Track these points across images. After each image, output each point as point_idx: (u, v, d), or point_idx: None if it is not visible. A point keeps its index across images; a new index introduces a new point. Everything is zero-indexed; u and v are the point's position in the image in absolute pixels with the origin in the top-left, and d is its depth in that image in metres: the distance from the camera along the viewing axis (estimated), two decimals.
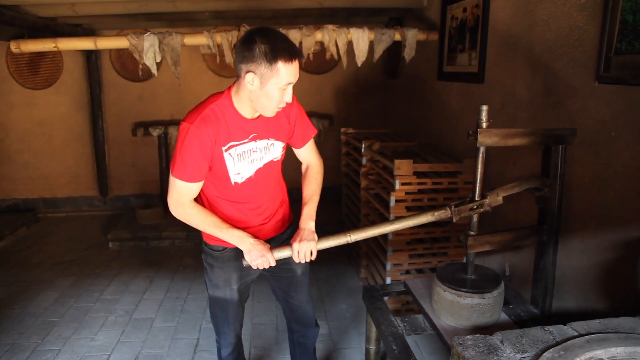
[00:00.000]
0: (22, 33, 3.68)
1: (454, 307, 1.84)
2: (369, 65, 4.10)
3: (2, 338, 2.95)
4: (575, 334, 1.32)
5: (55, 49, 3.52)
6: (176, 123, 5.28)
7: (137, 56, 3.46)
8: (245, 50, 1.55)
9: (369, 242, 3.41)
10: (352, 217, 4.00)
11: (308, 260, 1.77)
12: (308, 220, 1.80)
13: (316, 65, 5.31)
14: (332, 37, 3.55)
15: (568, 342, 1.26)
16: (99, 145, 5.40)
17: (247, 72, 1.56)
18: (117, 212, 5.56)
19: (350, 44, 3.61)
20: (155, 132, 5.15)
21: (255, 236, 1.79)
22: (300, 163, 2.02)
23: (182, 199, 1.73)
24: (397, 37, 3.64)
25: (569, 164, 1.97)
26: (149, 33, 3.40)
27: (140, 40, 3.39)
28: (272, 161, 1.84)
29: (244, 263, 1.75)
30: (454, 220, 1.79)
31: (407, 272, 3.02)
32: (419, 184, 2.89)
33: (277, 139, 1.81)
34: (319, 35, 3.55)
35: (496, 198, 1.81)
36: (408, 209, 2.91)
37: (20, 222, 4.94)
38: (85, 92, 5.31)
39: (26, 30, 3.72)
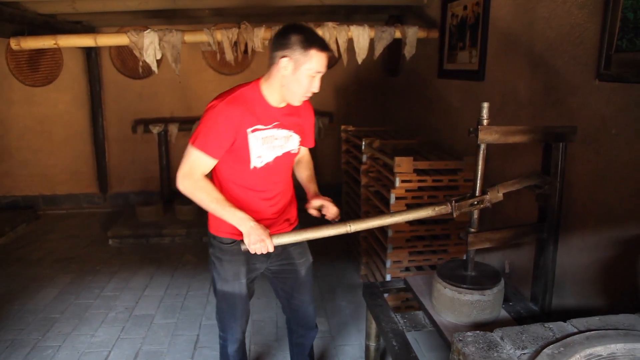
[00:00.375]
0: (21, 30, 3.68)
1: (454, 304, 1.85)
2: (370, 62, 4.10)
3: (2, 334, 2.96)
4: (575, 330, 1.32)
5: (55, 46, 3.51)
6: (176, 120, 5.28)
7: (137, 53, 3.45)
8: (281, 39, 1.69)
9: (369, 240, 3.42)
10: (352, 215, 4.00)
11: (337, 217, 1.93)
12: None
13: None
14: (332, 34, 3.55)
15: (568, 339, 1.26)
16: (99, 142, 5.40)
17: (282, 57, 1.67)
18: (117, 209, 5.56)
19: (350, 41, 3.61)
20: (155, 129, 5.15)
21: (257, 221, 1.77)
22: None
23: (194, 170, 1.73)
24: (398, 34, 3.64)
25: (569, 161, 1.97)
26: (149, 30, 3.40)
27: (140, 38, 3.39)
28: (289, 152, 1.89)
29: (242, 247, 1.70)
30: (454, 216, 1.79)
31: (407, 269, 3.02)
32: (419, 181, 2.90)
33: (295, 132, 1.89)
34: (319, 33, 3.55)
35: (496, 194, 1.81)
36: (408, 206, 2.91)
37: (20, 219, 4.94)
38: (85, 89, 5.31)
39: (26, 27, 3.71)
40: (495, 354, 1.24)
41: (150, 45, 3.40)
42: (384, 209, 3.03)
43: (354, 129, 4.05)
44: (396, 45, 4.03)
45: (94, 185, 5.59)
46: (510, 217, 2.61)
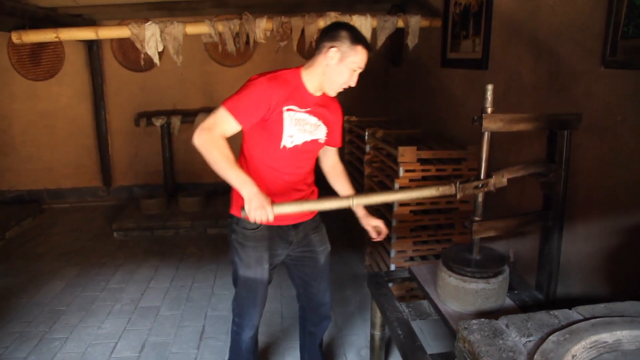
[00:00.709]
0: (23, 24, 3.67)
1: (458, 293, 1.85)
2: (372, 52, 4.07)
3: (10, 327, 2.98)
4: (581, 317, 1.32)
5: (57, 39, 3.51)
6: (179, 113, 5.28)
7: (138, 46, 3.44)
8: (331, 32, 1.81)
9: None
10: None
11: (385, 234, 2.05)
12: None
13: None
14: None
15: (573, 326, 1.26)
16: (102, 136, 5.40)
17: (331, 47, 1.78)
18: (121, 202, 5.57)
19: None
20: (158, 122, 5.14)
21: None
22: None
23: (216, 127, 1.74)
24: (400, 24, 3.61)
25: (574, 149, 1.96)
26: (150, 22, 3.39)
27: (141, 30, 3.37)
28: (317, 141, 1.93)
29: (242, 214, 1.67)
30: (458, 197, 1.78)
31: (411, 259, 3.03)
32: (423, 171, 2.89)
33: (324, 122, 1.93)
34: (321, 23, 3.53)
35: (501, 179, 1.80)
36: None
37: (25, 213, 4.96)
38: (87, 82, 5.30)
39: (27, 21, 3.70)
40: (500, 342, 1.24)
41: (151, 38, 3.39)
42: None
43: (357, 119, 4.03)
44: (399, 35, 4.01)
45: (97, 179, 5.61)
46: (514, 206, 2.60)
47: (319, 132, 1.92)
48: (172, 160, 5.44)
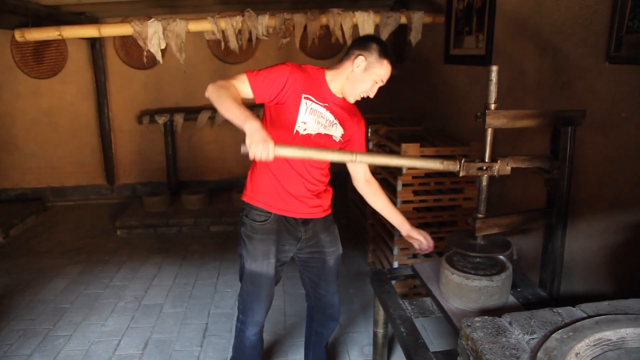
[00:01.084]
0: (25, 22, 3.67)
1: (462, 290, 1.84)
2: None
3: (14, 324, 3.00)
4: (584, 315, 1.31)
5: (60, 37, 3.51)
6: (182, 110, 5.28)
7: (141, 43, 3.44)
8: (363, 42, 1.87)
9: (376, 227, 3.42)
10: (358, 202, 4.00)
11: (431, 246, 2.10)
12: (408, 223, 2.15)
13: (321, 50, 5.27)
14: (337, 21, 3.51)
15: (577, 324, 1.25)
16: (105, 133, 5.41)
17: (359, 55, 1.84)
18: (125, 200, 5.59)
19: (355, 27, 3.57)
20: (161, 119, 5.15)
21: (289, 195, 1.93)
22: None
23: (231, 81, 1.76)
24: (403, 20, 3.60)
25: (577, 146, 1.95)
26: (153, 20, 3.38)
27: (144, 27, 3.37)
28: (331, 137, 1.94)
29: (242, 149, 1.55)
30: (460, 175, 1.76)
31: (414, 256, 3.02)
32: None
33: (341, 124, 1.95)
34: (324, 19, 3.52)
35: (505, 167, 1.77)
36: (415, 192, 2.90)
37: (29, 211, 4.98)
38: (91, 80, 5.31)
39: (30, 19, 3.71)
40: (503, 339, 1.23)
41: (154, 35, 3.39)
42: (390, 195, 3.01)
43: None
44: (402, 31, 3.99)
45: (101, 177, 5.62)
46: (517, 204, 2.59)
47: (335, 130, 1.93)
48: (175, 157, 5.45)
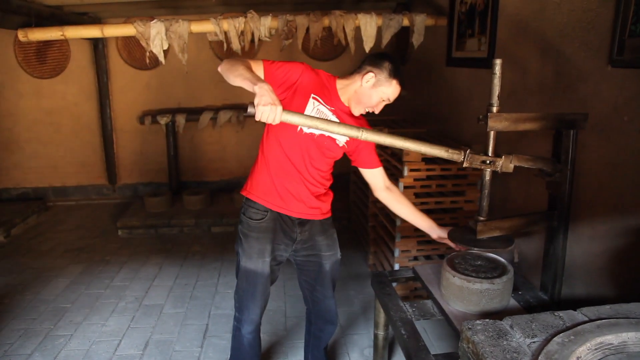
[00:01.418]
0: (29, 22, 3.68)
1: (463, 293, 1.84)
2: (377, 51, 4.06)
3: (15, 323, 3.00)
4: (586, 319, 1.31)
5: (62, 37, 3.52)
6: (184, 111, 5.28)
7: (144, 44, 3.45)
8: (376, 58, 1.89)
9: (377, 229, 3.42)
10: (359, 204, 4.00)
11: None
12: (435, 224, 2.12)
13: (323, 52, 5.28)
14: (339, 22, 3.52)
15: (578, 327, 1.25)
16: (107, 133, 5.41)
17: (370, 71, 1.86)
18: (126, 200, 5.60)
19: (357, 29, 3.58)
20: (163, 120, 5.15)
21: (290, 195, 1.95)
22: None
23: (247, 60, 1.78)
24: (406, 22, 3.60)
25: (579, 149, 1.95)
26: (155, 20, 3.39)
27: (147, 28, 3.38)
28: (334, 140, 1.95)
29: (249, 109, 1.52)
30: (464, 165, 1.75)
31: (415, 258, 3.02)
32: (428, 170, 2.88)
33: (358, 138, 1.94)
34: (326, 21, 3.52)
35: (508, 164, 1.77)
36: (417, 195, 2.90)
37: (31, 210, 4.99)
38: (93, 80, 5.32)
39: (33, 19, 3.72)
40: (504, 343, 1.23)
41: (157, 36, 3.40)
42: None
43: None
44: (404, 34, 3.99)
45: (102, 177, 5.62)
46: (519, 208, 2.59)
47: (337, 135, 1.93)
48: (177, 158, 5.45)
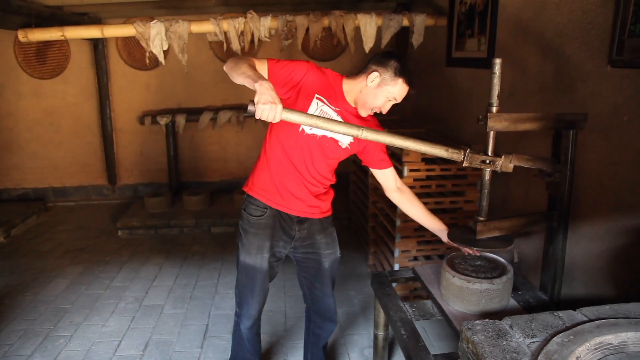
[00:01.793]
0: (29, 22, 3.69)
1: (462, 293, 1.84)
2: (377, 51, 4.05)
3: (15, 324, 3.00)
4: (585, 319, 1.31)
5: (62, 38, 3.52)
6: (183, 111, 5.29)
7: (144, 44, 3.45)
8: (382, 57, 1.85)
9: (377, 230, 3.42)
10: (359, 205, 4.00)
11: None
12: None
13: (323, 52, 5.28)
14: (339, 23, 3.52)
15: (578, 327, 1.25)
16: (107, 134, 5.42)
17: (375, 70, 1.82)
18: (126, 200, 5.60)
19: (357, 30, 3.58)
20: (163, 120, 5.16)
21: (289, 195, 1.95)
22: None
23: (251, 58, 1.78)
24: (405, 22, 3.60)
25: (579, 149, 1.95)
26: (155, 21, 3.39)
27: (147, 28, 3.38)
28: (337, 142, 1.92)
29: (249, 107, 1.52)
30: (464, 165, 1.75)
31: (415, 258, 3.02)
32: (427, 170, 2.88)
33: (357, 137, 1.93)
34: (326, 21, 3.53)
35: (508, 164, 1.77)
36: (416, 195, 2.90)
37: (31, 211, 4.99)
38: (93, 81, 5.32)
39: (33, 20, 3.72)
40: (504, 343, 1.23)
41: (156, 36, 3.40)
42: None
43: None
44: (404, 34, 4.00)
45: (102, 177, 5.62)
46: (519, 209, 2.59)
47: (343, 135, 1.91)
48: (177, 158, 5.45)
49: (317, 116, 1.62)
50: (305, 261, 2.12)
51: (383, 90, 1.83)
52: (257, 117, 1.51)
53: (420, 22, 3.56)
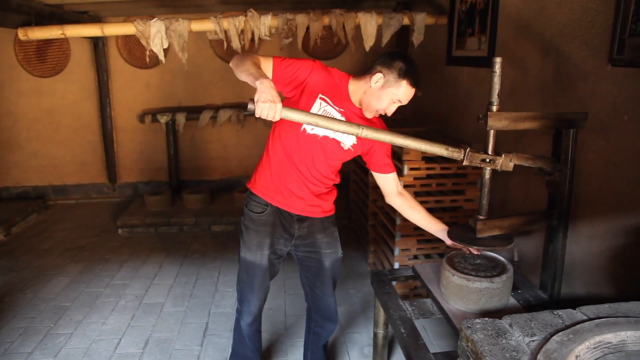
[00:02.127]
0: (29, 20, 3.68)
1: (462, 291, 1.84)
2: (377, 50, 4.05)
3: (15, 322, 3.00)
4: (585, 318, 1.31)
5: (63, 36, 3.52)
6: (184, 110, 5.28)
7: (144, 42, 3.45)
8: (387, 58, 1.81)
9: (377, 228, 3.42)
10: (359, 203, 4.00)
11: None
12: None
13: (323, 51, 5.27)
14: (339, 21, 3.52)
15: (577, 326, 1.25)
16: (107, 132, 5.41)
17: (379, 71, 1.79)
18: (126, 199, 5.60)
19: (358, 28, 3.57)
20: (163, 119, 5.15)
21: (290, 194, 1.95)
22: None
23: (257, 56, 1.79)
24: (406, 21, 3.60)
25: (579, 148, 1.95)
26: (155, 19, 3.39)
27: (147, 27, 3.38)
28: (339, 143, 1.91)
29: (249, 105, 1.52)
30: (464, 164, 1.75)
31: (415, 257, 3.02)
32: (428, 169, 2.88)
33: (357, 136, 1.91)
34: (326, 20, 3.52)
35: (508, 163, 1.77)
36: (416, 194, 2.90)
37: (31, 209, 4.99)
38: (93, 79, 5.31)
39: (33, 18, 3.72)
40: (503, 341, 1.23)
41: (157, 35, 3.39)
42: None
43: None
44: (404, 32, 3.99)
45: (103, 176, 5.62)
46: (519, 206, 2.59)
47: (345, 137, 1.90)
48: (177, 157, 5.45)
49: (317, 114, 1.62)
50: (306, 260, 2.12)
51: (387, 91, 1.80)
52: (256, 115, 1.51)
53: (420, 20, 3.56)
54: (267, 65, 1.79)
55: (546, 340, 1.21)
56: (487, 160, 1.75)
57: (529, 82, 2.47)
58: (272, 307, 3.12)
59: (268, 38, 3.59)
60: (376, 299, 2.25)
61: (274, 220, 1.99)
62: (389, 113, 1.87)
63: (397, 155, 2.92)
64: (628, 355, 1.19)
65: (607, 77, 1.89)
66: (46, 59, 5.19)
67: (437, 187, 2.97)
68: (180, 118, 5.18)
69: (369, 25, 3.52)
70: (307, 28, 3.55)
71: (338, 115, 1.85)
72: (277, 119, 1.52)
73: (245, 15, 3.45)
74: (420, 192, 2.92)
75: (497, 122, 1.73)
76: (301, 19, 3.49)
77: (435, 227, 2.08)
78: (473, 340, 1.25)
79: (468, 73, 3.27)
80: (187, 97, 5.43)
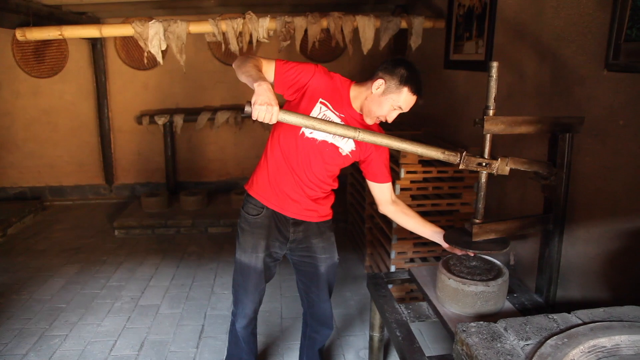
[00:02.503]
0: (27, 21, 3.68)
1: (458, 295, 1.84)
2: (375, 53, 4.08)
3: (10, 323, 2.99)
4: (580, 322, 1.31)
5: (61, 37, 3.52)
6: (181, 111, 5.28)
7: (142, 44, 3.45)
8: (390, 64, 1.81)
9: (374, 231, 3.42)
10: (357, 206, 4.00)
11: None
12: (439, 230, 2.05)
13: (321, 54, 5.28)
14: (337, 24, 3.53)
15: (572, 330, 1.25)
16: (105, 133, 5.41)
17: (381, 77, 1.80)
18: (123, 200, 5.59)
19: (356, 31, 3.58)
20: (161, 120, 5.15)
21: (286, 197, 1.95)
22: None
23: (260, 59, 1.79)
24: (404, 24, 3.61)
25: (575, 152, 1.95)
26: (154, 21, 3.39)
27: (145, 28, 3.38)
28: (337, 148, 1.91)
29: (246, 108, 1.52)
30: (460, 167, 1.75)
31: (412, 260, 3.02)
32: (424, 172, 2.89)
33: (354, 139, 1.89)
34: (324, 23, 3.53)
35: (504, 167, 1.77)
36: (413, 197, 2.91)
37: (27, 209, 4.98)
38: (91, 80, 5.31)
39: (31, 19, 3.72)
40: (498, 345, 1.23)
41: (155, 36, 3.40)
42: None
43: None
44: (402, 36, 4.00)
45: (100, 177, 5.61)
46: (515, 210, 2.60)
47: (344, 143, 1.90)
48: (174, 158, 5.45)
49: (314, 118, 1.62)
50: (301, 264, 2.12)
51: (388, 98, 1.80)
52: (253, 117, 1.51)
53: (418, 24, 3.57)
54: (270, 68, 1.80)
55: (541, 344, 1.21)
56: (484, 164, 1.76)
57: (526, 86, 2.48)
58: (268, 309, 3.11)
59: (266, 40, 3.59)
60: (372, 302, 2.25)
61: (269, 223, 1.99)
62: (390, 120, 1.87)
63: (394, 159, 2.92)
64: (622, 359, 1.19)
65: (603, 82, 1.90)
66: (44, 60, 5.18)
67: (434, 191, 2.98)
68: (178, 120, 5.18)
69: (367, 29, 3.53)
70: (305, 31, 3.56)
71: (338, 120, 1.84)
72: (273, 121, 1.53)
73: (244, 18, 3.46)
74: (416, 195, 2.93)
75: (493, 126, 1.74)
76: (299, 22, 3.50)
77: (430, 231, 2.07)
78: (468, 343, 1.25)
79: (465, 77, 3.28)
80: (184, 99, 5.43)
